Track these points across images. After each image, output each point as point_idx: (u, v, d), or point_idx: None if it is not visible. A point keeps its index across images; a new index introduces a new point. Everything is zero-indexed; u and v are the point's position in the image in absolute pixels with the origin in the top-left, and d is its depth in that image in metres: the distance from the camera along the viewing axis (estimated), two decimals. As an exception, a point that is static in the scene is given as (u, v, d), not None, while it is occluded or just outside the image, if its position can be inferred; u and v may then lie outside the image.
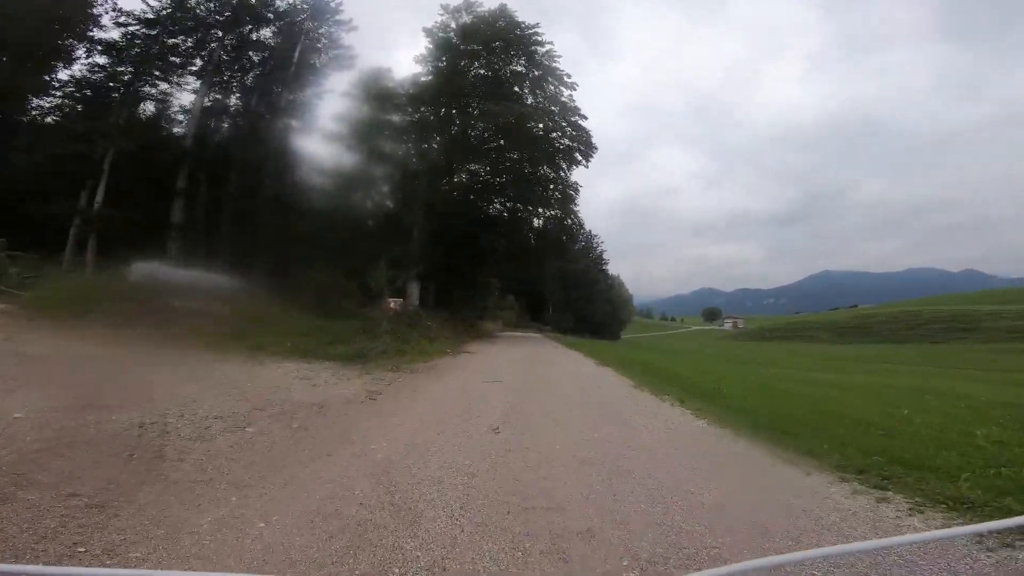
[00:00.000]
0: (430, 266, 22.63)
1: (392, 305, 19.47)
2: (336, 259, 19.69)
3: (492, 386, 8.23)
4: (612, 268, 77.79)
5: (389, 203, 24.87)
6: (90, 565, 1.91)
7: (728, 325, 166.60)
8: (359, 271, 19.26)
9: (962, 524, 3.11)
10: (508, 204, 27.14)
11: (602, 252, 74.72)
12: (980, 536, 2.34)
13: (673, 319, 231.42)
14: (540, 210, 28.33)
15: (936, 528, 3.14)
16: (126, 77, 26.09)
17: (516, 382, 9.28)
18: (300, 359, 8.85)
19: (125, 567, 2.00)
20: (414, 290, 22.12)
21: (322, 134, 27.20)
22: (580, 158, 26.85)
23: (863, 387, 12.31)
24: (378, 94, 25.66)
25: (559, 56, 26.49)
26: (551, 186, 27.50)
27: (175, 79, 26.70)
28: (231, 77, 28.58)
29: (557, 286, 66.83)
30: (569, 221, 29.35)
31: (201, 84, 27.07)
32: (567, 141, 26.32)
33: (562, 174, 27.35)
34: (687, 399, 7.88)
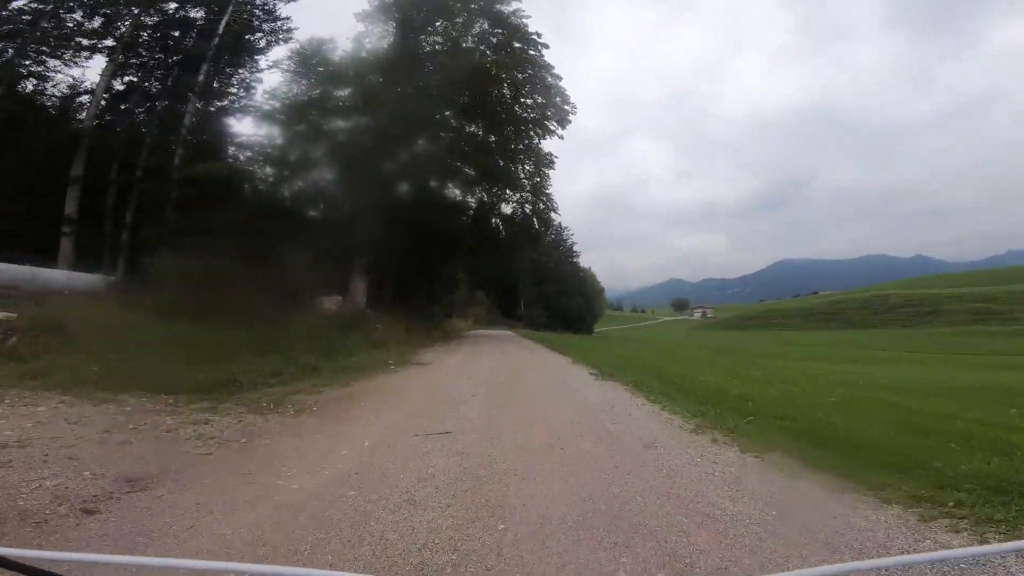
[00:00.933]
0: (382, 258, 19.13)
1: (330, 305, 16.08)
2: (263, 251, 16.17)
3: (428, 446, 4.55)
4: (583, 260, 75.43)
5: (334, 188, 21.32)
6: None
7: (698, 315, 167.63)
8: (292, 265, 15.80)
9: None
10: (472, 186, 23.93)
11: (572, 244, 72.18)
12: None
13: (643, 311, 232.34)
14: (508, 192, 25.05)
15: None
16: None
17: (477, 426, 5.50)
18: (115, 391, 5.35)
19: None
20: (359, 286, 18.55)
21: (254, 113, 23.52)
22: (554, 127, 23.53)
23: (948, 387, 9.78)
24: (318, 65, 22.07)
25: (527, 16, 23.20)
26: (521, 162, 24.36)
27: (70, 57, 22.60)
28: (150, 56, 24.79)
29: (529, 280, 63.86)
30: (542, 205, 25.74)
31: (108, 63, 23.01)
32: (538, 104, 23.10)
33: (533, 144, 24.29)
34: (761, 437, 4.77)
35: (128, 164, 22.35)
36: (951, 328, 62.52)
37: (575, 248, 71.72)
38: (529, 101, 22.45)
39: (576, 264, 71.62)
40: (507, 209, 25.10)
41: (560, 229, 72.83)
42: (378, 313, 16.95)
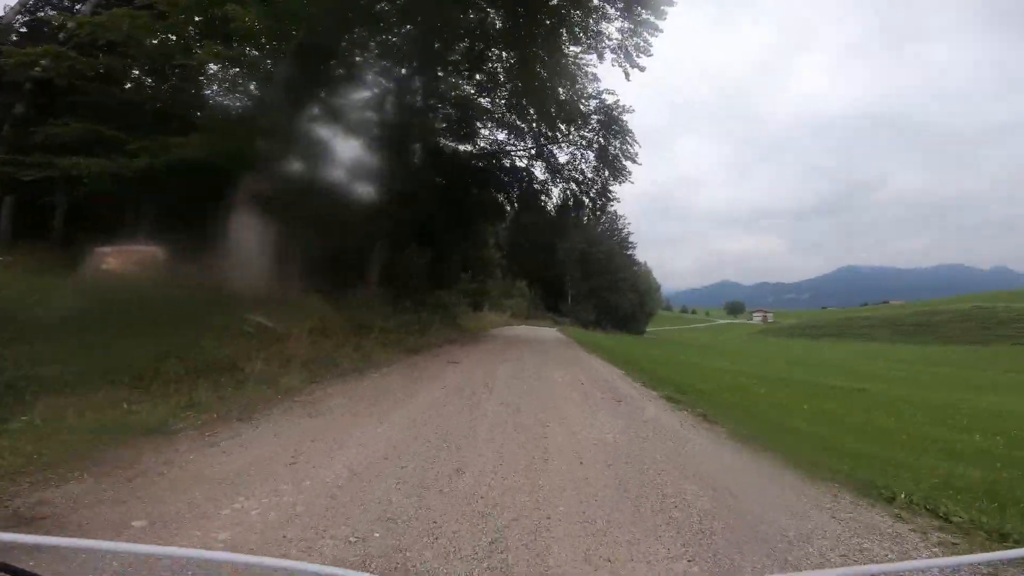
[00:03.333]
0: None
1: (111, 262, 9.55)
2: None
3: None
4: (637, 254, 67.99)
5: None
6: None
7: (757, 319, 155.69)
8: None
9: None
10: (503, 128, 17.88)
11: (628, 235, 64.99)
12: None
13: (694, 311, 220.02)
14: (563, 130, 17.01)
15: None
16: None
17: None
18: None
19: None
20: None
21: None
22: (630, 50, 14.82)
23: None
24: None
25: None
26: (577, 80, 16.14)
27: None
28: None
29: (577, 271, 57.38)
30: (614, 148, 17.37)
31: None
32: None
33: (596, 53, 15.70)
34: None
35: None
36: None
37: (630, 239, 64.65)
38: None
39: (631, 256, 64.53)
40: (562, 157, 18.46)
41: (615, 217, 65.99)
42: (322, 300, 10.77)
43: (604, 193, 18.82)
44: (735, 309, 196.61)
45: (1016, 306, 74.54)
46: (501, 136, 18.18)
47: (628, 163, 17.95)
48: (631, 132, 17.57)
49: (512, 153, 18.28)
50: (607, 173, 18.11)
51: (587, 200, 19.17)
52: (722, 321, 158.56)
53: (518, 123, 17.58)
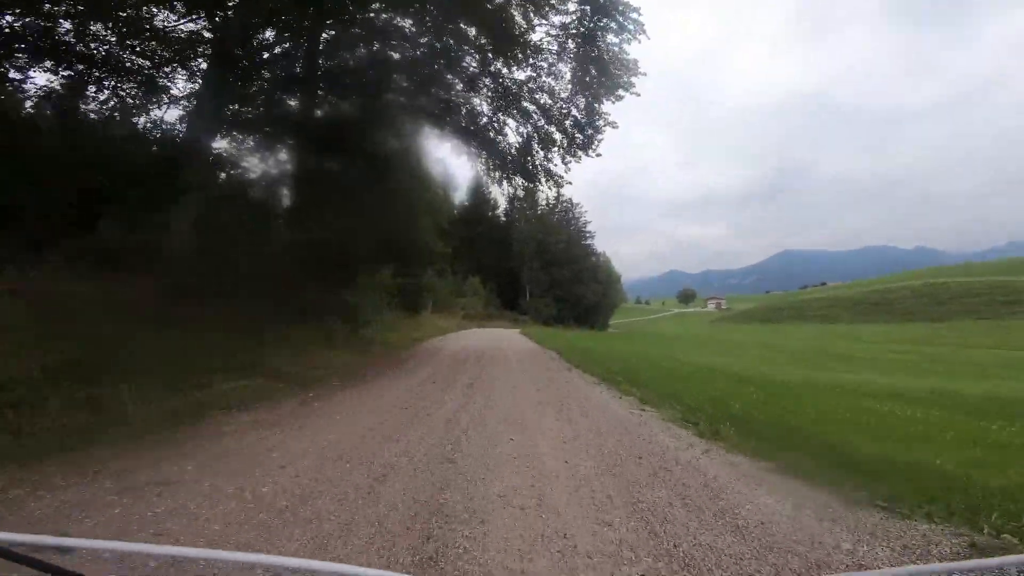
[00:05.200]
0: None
1: None
2: None
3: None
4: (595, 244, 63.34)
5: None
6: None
7: (712, 306, 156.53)
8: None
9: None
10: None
11: (586, 223, 60.32)
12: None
13: (648, 302, 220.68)
14: (521, 24, 10.85)
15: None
16: None
17: None
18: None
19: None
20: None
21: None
22: None
23: None
24: None
25: None
26: None
27: None
28: None
29: (535, 261, 52.06)
30: (605, 40, 11.18)
31: None
32: None
33: None
34: None
35: None
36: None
37: (589, 228, 59.98)
38: None
39: (589, 246, 59.89)
40: (519, 74, 12.07)
41: (571, 205, 61.17)
42: None
43: (590, 118, 12.18)
44: (687, 297, 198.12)
45: (964, 280, 75.61)
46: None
47: (625, 64, 11.64)
48: (632, 6, 11.10)
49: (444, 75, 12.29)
50: (596, 82, 11.54)
51: (559, 134, 12.68)
52: (676, 311, 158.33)
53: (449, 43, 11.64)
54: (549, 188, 13.49)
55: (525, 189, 14.41)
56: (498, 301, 48.03)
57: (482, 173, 13.92)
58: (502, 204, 61.57)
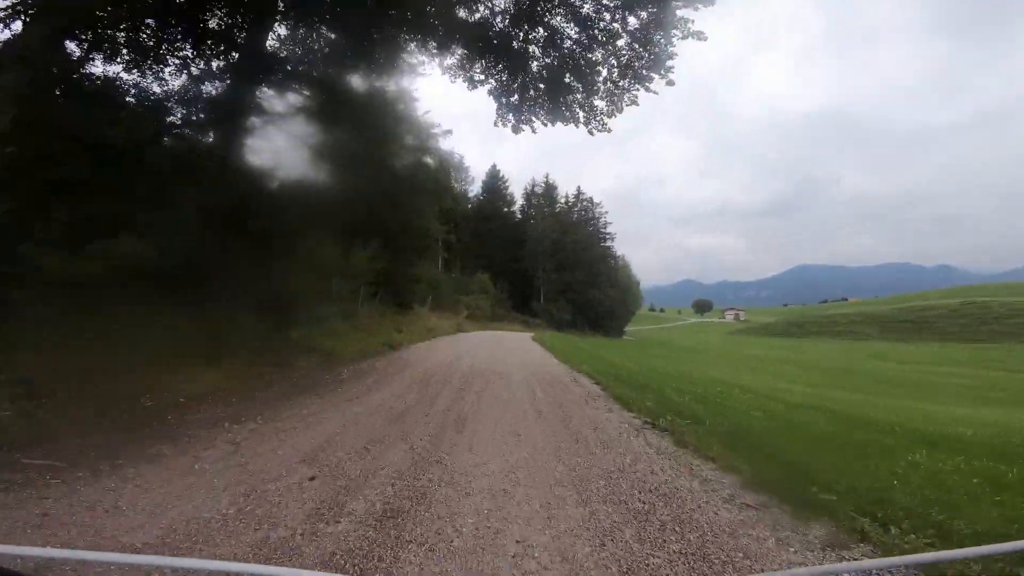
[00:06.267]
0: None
1: None
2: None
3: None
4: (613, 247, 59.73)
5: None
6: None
7: (730, 317, 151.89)
8: None
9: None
10: None
11: (606, 224, 56.90)
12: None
13: (662, 310, 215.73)
14: None
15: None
16: None
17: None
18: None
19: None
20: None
21: None
22: None
23: None
24: None
25: None
26: None
27: None
28: None
29: (549, 262, 48.78)
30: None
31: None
32: None
33: None
34: None
35: None
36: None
37: (608, 228, 56.53)
38: None
39: (609, 248, 56.46)
40: None
41: (591, 204, 57.83)
42: None
43: (654, 21, 8.42)
44: (703, 307, 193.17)
45: (1007, 299, 70.73)
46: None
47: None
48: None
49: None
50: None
51: (603, 59, 9.15)
52: (692, 320, 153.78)
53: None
54: (590, 122, 9.77)
55: (549, 121, 10.45)
56: (508, 302, 44.77)
57: (494, 99, 10.36)
58: (519, 200, 58.45)
